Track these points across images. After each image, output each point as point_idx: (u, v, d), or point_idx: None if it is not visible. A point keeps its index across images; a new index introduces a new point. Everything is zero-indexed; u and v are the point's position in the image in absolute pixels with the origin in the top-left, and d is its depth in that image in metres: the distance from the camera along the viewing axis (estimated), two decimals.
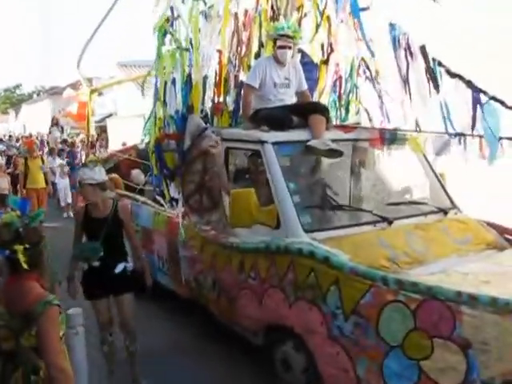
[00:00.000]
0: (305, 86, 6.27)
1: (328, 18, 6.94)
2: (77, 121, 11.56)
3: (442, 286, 3.78)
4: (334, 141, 5.30)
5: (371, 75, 7.25)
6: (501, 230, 5.58)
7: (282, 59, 5.82)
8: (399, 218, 5.20)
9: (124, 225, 5.25)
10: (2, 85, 67.42)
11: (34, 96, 61.57)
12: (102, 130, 23.95)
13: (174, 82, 6.14)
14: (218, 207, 5.69)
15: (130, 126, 18.34)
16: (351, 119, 7.14)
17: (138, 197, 7.88)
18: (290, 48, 5.80)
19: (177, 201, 6.77)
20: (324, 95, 7.13)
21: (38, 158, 12.56)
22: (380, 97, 7.13)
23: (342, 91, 7.24)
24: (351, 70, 7.17)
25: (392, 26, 5.41)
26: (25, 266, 2.92)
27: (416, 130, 5.52)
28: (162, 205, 7.24)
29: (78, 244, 5.28)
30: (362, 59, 7.22)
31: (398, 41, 5.36)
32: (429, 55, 5.07)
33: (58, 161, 14.70)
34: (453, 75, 4.80)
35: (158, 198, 7.36)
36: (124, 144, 13.57)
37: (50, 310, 2.84)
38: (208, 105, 6.47)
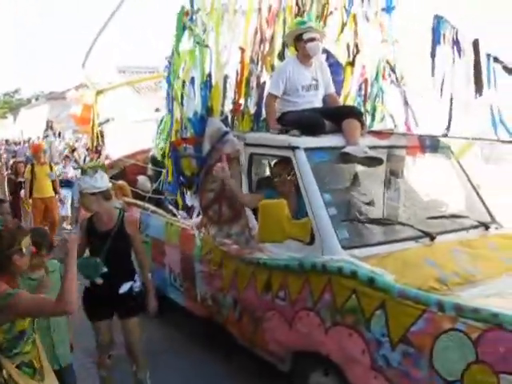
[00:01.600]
0: (332, 89, 5.90)
1: (354, 16, 6.59)
2: (80, 124, 11.06)
3: (510, 314, 3.37)
4: (370, 148, 4.91)
5: (396, 79, 6.95)
6: None
7: (313, 53, 5.45)
8: (441, 232, 4.81)
9: (131, 239, 4.89)
10: (1, 89, 67.24)
11: (33, 101, 61.27)
12: (102, 138, 23.70)
13: (192, 81, 5.77)
14: (239, 219, 5.32)
15: (126, 132, 18.09)
16: (376, 126, 6.78)
17: (147, 205, 7.47)
18: (318, 40, 5.42)
19: (192, 210, 6.41)
20: (349, 99, 6.76)
21: (45, 165, 11.74)
22: (407, 102, 6.83)
23: (368, 95, 6.88)
24: (377, 73, 6.84)
25: (438, 20, 4.97)
26: None
27: (463, 137, 5.11)
28: (174, 214, 6.86)
29: (79, 259, 4.88)
30: (387, 62, 6.93)
31: (444, 36, 4.94)
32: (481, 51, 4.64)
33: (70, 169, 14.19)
34: (511, 71, 4.38)
35: (171, 207, 7.00)
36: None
37: (12, 299, 3.09)
38: (228, 107, 6.06)
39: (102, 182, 4.80)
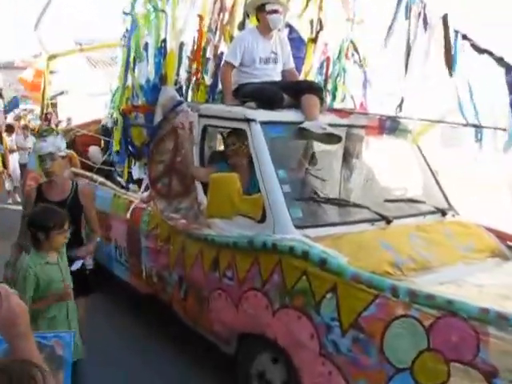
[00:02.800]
0: (292, 64, 5.69)
1: None
2: (29, 90, 10.56)
3: (464, 301, 3.22)
4: (329, 125, 4.70)
5: (359, 59, 6.80)
6: (501, 236, 5.08)
7: (274, 26, 5.23)
8: (398, 217, 4.65)
9: (85, 211, 4.63)
10: None
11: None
12: (53, 108, 23.20)
13: (146, 47, 5.49)
14: (189, 193, 5.07)
15: (80, 105, 17.77)
16: (336, 106, 6.61)
17: (95, 177, 7.14)
18: (280, 13, 5.19)
19: (140, 183, 6.14)
20: (309, 76, 6.57)
21: None
22: (366, 82, 6.69)
23: (329, 74, 6.70)
24: (340, 52, 6.69)
25: None
26: None
27: (424, 120, 4.94)
28: (123, 187, 6.58)
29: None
30: (351, 41, 6.77)
31: (410, 10, 4.74)
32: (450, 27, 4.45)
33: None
34: (481, 51, 4.19)
35: (119, 179, 6.71)
36: (69, 119, 12.49)
37: None
38: (183, 76, 5.77)
39: (64, 146, 4.57)
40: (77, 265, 4.46)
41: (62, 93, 21.99)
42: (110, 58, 17.21)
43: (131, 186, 6.70)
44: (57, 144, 4.46)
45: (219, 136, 5.62)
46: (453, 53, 4.33)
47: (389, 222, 4.50)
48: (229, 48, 5.54)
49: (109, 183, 6.78)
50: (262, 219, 4.29)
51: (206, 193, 4.81)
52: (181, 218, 5.07)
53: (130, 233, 5.97)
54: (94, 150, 8.33)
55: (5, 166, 10.84)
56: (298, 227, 4.14)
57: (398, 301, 3.35)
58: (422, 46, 4.70)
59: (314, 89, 5.07)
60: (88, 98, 16.98)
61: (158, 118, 5.29)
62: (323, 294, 3.67)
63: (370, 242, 4.11)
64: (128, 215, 5.86)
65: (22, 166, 11.42)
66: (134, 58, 5.44)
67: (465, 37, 4.30)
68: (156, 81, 5.44)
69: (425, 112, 5.08)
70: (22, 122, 15.62)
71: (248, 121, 4.55)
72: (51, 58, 8.87)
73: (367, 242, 4.11)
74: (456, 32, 4.35)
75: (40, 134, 4.68)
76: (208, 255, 4.65)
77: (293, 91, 5.04)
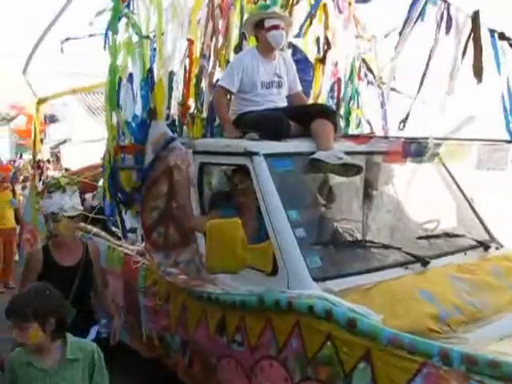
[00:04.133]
0: (299, 87, 5.08)
1: (325, 6, 5.79)
2: (24, 137, 10.03)
3: None
4: (345, 154, 4.03)
5: (374, 79, 6.20)
6: None
7: (276, 43, 4.64)
8: (435, 256, 3.96)
9: (94, 272, 4.15)
10: None
11: None
12: (57, 157, 22.98)
13: (130, 78, 4.90)
14: (189, 243, 4.41)
15: (85, 153, 17.50)
16: (351, 132, 5.97)
17: (89, 227, 6.49)
18: (282, 28, 4.59)
19: (136, 233, 5.49)
20: (319, 101, 5.94)
21: (7, 190, 10.12)
22: (385, 103, 6.08)
23: (341, 97, 6.08)
24: (352, 72, 6.06)
25: None
26: None
27: (455, 139, 4.24)
28: (119, 237, 5.92)
29: None
30: (363, 60, 6.18)
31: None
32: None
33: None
34: None
35: (114, 229, 6.06)
36: (67, 170, 11.81)
37: None
38: (175, 109, 5.15)
39: (79, 203, 4.09)
40: (92, 334, 3.96)
41: (64, 141, 21.79)
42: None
43: (130, 235, 6.05)
44: (62, 202, 3.93)
45: (222, 175, 4.97)
46: (483, 54, 3.65)
47: (425, 263, 3.80)
48: (225, 71, 4.92)
49: (103, 234, 6.12)
50: (274, 271, 3.60)
51: None
52: (180, 273, 4.38)
53: (127, 290, 5.30)
54: (89, 198, 7.72)
55: (18, 221, 10.03)
56: (317, 279, 3.45)
57: (451, 370, 2.65)
58: (447, 52, 4.05)
59: (326, 112, 4.43)
60: (87, 145, 16.66)
61: (148, 158, 4.66)
62: (354, 363, 2.98)
63: (406, 293, 3.40)
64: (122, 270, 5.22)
65: None
66: (117, 91, 4.81)
67: (502, 36, 3.61)
68: (144, 116, 4.83)
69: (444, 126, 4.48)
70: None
71: (250, 154, 3.89)
72: (41, 101, 8.30)
73: (403, 292, 3.40)
74: (492, 31, 3.67)
75: (48, 190, 4.16)
76: (213, 316, 3.96)
77: (301, 117, 4.41)
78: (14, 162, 17.26)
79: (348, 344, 3.00)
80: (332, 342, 3.07)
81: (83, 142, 18.12)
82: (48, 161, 19.27)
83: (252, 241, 3.66)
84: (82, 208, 4.11)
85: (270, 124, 4.22)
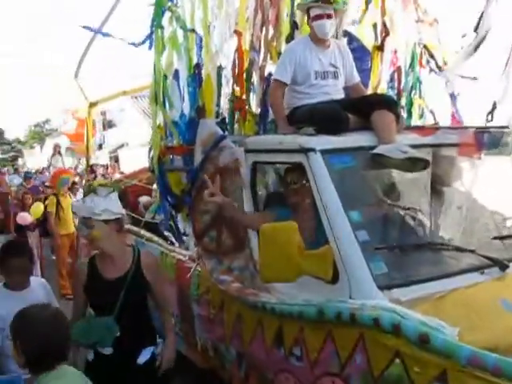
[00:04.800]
0: (357, 78, 4.74)
1: None
2: (74, 141, 10.01)
3: None
4: (410, 148, 3.67)
5: (437, 66, 5.81)
6: None
7: (321, 34, 4.32)
8: None
9: (151, 288, 3.72)
10: (33, 121, 68.78)
11: (58, 129, 62.13)
12: (115, 161, 23.31)
13: (176, 75, 4.67)
14: (242, 249, 4.16)
15: (142, 156, 17.60)
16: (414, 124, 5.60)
17: (142, 232, 6.31)
18: (329, 17, 4.24)
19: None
20: (378, 92, 5.57)
21: (68, 196, 10.14)
22: (453, 91, 5.69)
23: (402, 87, 5.71)
24: (413, 60, 5.72)
25: None
26: None
27: None
28: (172, 242, 5.71)
29: (79, 321, 3.70)
30: (425, 46, 5.82)
31: None
32: None
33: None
34: None
35: (167, 233, 5.86)
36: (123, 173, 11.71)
37: None
38: (225, 106, 4.88)
39: (118, 206, 3.69)
40: (145, 356, 3.65)
41: (122, 146, 22.00)
42: None
43: (185, 238, 5.83)
44: (92, 205, 3.57)
45: (277, 174, 4.67)
46: None
47: (503, 267, 3.40)
48: (277, 63, 4.62)
49: (156, 239, 5.92)
50: (334, 279, 3.27)
51: None
52: (234, 281, 4.11)
53: (181, 297, 5.08)
54: (145, 202, 7.56)
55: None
56: (382, 288, 3.11)
57: None
58: None
59: (387, 103, 4.06)
60: (144, 149, 16.70)
61: (198, 158, 4.43)
62: (427, 383, 2.62)
63: (484, 302, 3.03)
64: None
65: None
66: (163, 89, 4.58)
67: None
68: (192, 114, 4.61)
69: None
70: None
71: (305, 151, 3.57)
72: (92, 105, 8.22)
73: (481, 301, 3.04)
74: None
75: (88, 189, 3.89)
76: (269, 328, 3.68)
77: (360, 109, 4.06)
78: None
79: (420, 362, 2.66)
80: (401, 360, 2.74)
81: (139, 146, 18.23)
82: (106, 166, 19.48)
83: (309, 246, 3.34)
84: (122, 211, 3.75)
85: (325, 117, 3.88)
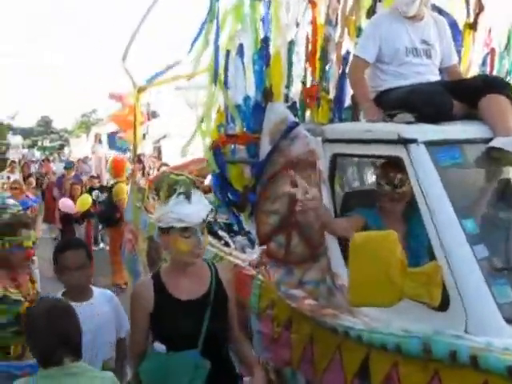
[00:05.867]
0: (455, 58, 4.09)
1: None
2: (121, 126, 9.53)
3: None
4: None
5: None
6: None
7: (403, 11, 3.70)
8: None
9: (229, 308, 3.14)
10: (80, 111, 70.72)
11: (104, 119, 63.89)
12: (158, 152, 23.21)
13: (240, 51, 4.09)
14: (318, 258, 3.54)
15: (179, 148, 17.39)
16: None
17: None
18: None
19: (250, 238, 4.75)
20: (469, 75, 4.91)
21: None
22: None
23: (495, 71, 5.03)
24: (509, 41, 5.01)
25: None
26: None
27: None
28: (227, 244, 5.14)
29: (146, 360, 2.98)
30: None
31: None
32: None
33: None
34: None
35: (221, 233, 5.32)
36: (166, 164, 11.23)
37: None
38: (297, 87, 4.29)
39: (206, 207, 3.01)
40: None
41: (164, 136, 21.77)
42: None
43: (239, 239, 5.26)
44: (197, 209, 2.93)
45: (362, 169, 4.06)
46: None
47: None
48: (360, 39, 3.99)
49: (209, 239, 5.35)
50: (444, 305, 2.62)
51: (345, 256, 3.24)
52: (306, 297, 3.51)
53: (238, 308, 4.47)
54: None
55: None
56: (510, 321, 2.43)
57: None
58: None
59: (498, 85, 3.40)
60: (185, 140, 16.38)
61: (265, 149, 3.86)
62: None
63: None
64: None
65: None
66: (225, 67, 4.00)
67: None
68: (258, 97, 4.02)
69: None
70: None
71: (405, 142, 2.91)
72: (141, 90, 7.72)
73: None
74: None
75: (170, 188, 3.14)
76: (351, 358, 3.04)
77: (463, 92, 3.40)
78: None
79: None
80: None
81: (181, 137, 17.98)
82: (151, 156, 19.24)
83: (408, 261, 2.69)
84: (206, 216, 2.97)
85: (428, 101, 3.22)
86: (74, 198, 10.50)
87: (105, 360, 3.48)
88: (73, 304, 3.25)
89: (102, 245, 12.30)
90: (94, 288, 3.62)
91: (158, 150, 22.97)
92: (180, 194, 2.89)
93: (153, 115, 23.48)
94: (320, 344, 3.36)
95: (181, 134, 20.08)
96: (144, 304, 2.96)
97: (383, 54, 3.75)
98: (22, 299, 3.53)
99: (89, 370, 2.66)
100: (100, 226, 11.49)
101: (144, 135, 9.68)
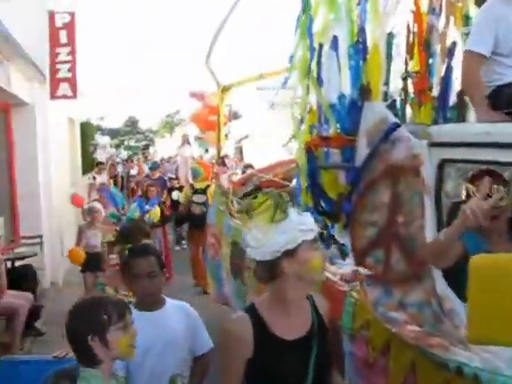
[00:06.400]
0: None
1: None
2: (202, 127, 9.39)
3: None
4: None
5: None
6: None
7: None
8: None
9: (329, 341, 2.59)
10: (165, 111, 72.63)
11: (187, 119, 65.37)
12: (240, 152, 23.27)
13: (335, 43, 3.71)
14: (421, 278, 3.14)
15: (265, 149, 17.40)
16: None
17: None
18: None
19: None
20: None
21: None
22: None
23: None
24: None
25: None
26: None
27: None
28: None
29: None
30: None
31: None
32: None
33: None
34: None
35: None
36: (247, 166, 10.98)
37: None
38: (397, 85, 3.87)
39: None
40: None
41: (246, 136, 21.72)
42: (289, 99, 16.38)
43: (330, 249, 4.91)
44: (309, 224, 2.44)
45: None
46: None
47: None
48: (472, 31, 3.55)
49: None
50: None
51: (448, 278, 2.82)
52: (408, 321, 3.11)
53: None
54: None
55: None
56: None
57: None
58: None
59: None
60: (266, 141, 16.24)
61: (362, 153, 3.51)
62: None
63: None
64: None
65: None
66: (318, 62, 3.63)
67: None
68: (354, 95, 3.64)
69: None
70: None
71: None
72: (225, 89, 7.52)
73: None
74: None
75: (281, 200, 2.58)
76: None
77: None
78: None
79: None
80: None
81: (263, 138, 17.83)
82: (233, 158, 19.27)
83: None
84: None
85: None
86: (148, 200, 10.40)
87: (173, 375, 3.25)
88: (144, 312, 3.19)
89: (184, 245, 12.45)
90: (168, 299, 3.41)
91: (240, 151, 23.00)
92: (287, 206, 2.45)
93: (234, 116, 23.54)
94: (424, 377, 2.98)
95: (262, 134, 20.07)
96: (243, 349, 2.42)
97: (501, 46, 3.35)
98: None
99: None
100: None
101: (226, 135, 9.52)
